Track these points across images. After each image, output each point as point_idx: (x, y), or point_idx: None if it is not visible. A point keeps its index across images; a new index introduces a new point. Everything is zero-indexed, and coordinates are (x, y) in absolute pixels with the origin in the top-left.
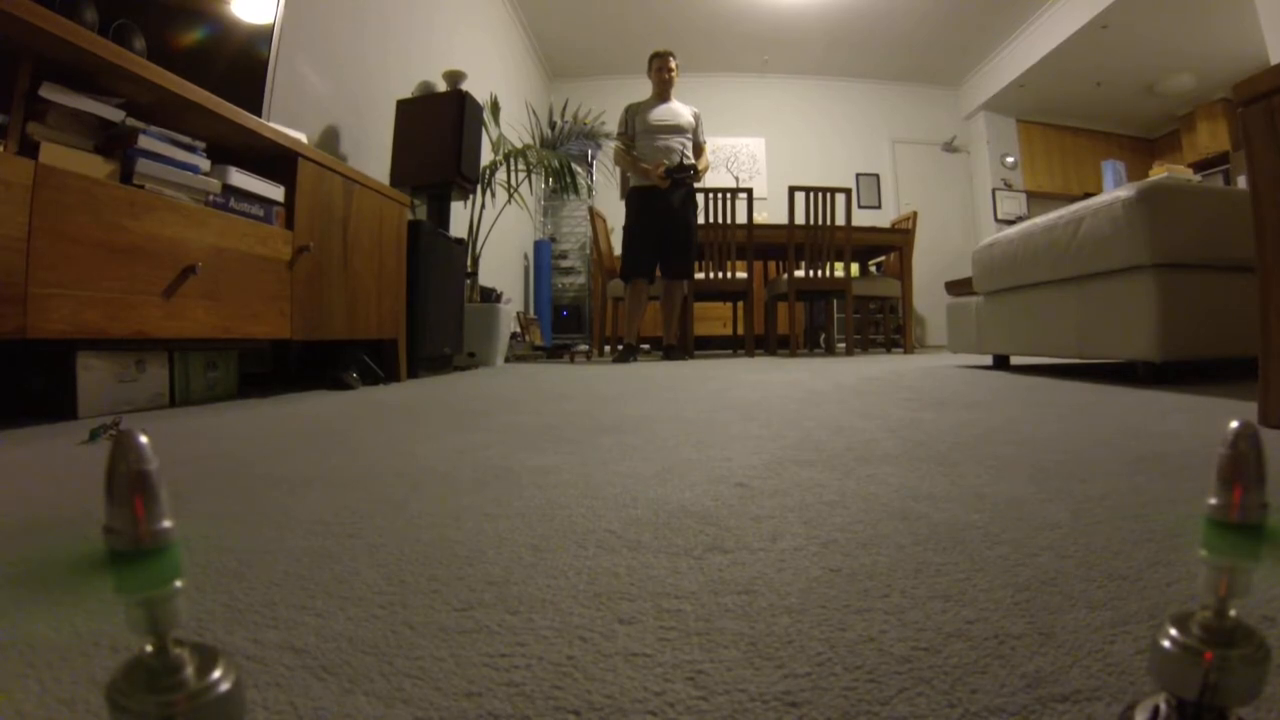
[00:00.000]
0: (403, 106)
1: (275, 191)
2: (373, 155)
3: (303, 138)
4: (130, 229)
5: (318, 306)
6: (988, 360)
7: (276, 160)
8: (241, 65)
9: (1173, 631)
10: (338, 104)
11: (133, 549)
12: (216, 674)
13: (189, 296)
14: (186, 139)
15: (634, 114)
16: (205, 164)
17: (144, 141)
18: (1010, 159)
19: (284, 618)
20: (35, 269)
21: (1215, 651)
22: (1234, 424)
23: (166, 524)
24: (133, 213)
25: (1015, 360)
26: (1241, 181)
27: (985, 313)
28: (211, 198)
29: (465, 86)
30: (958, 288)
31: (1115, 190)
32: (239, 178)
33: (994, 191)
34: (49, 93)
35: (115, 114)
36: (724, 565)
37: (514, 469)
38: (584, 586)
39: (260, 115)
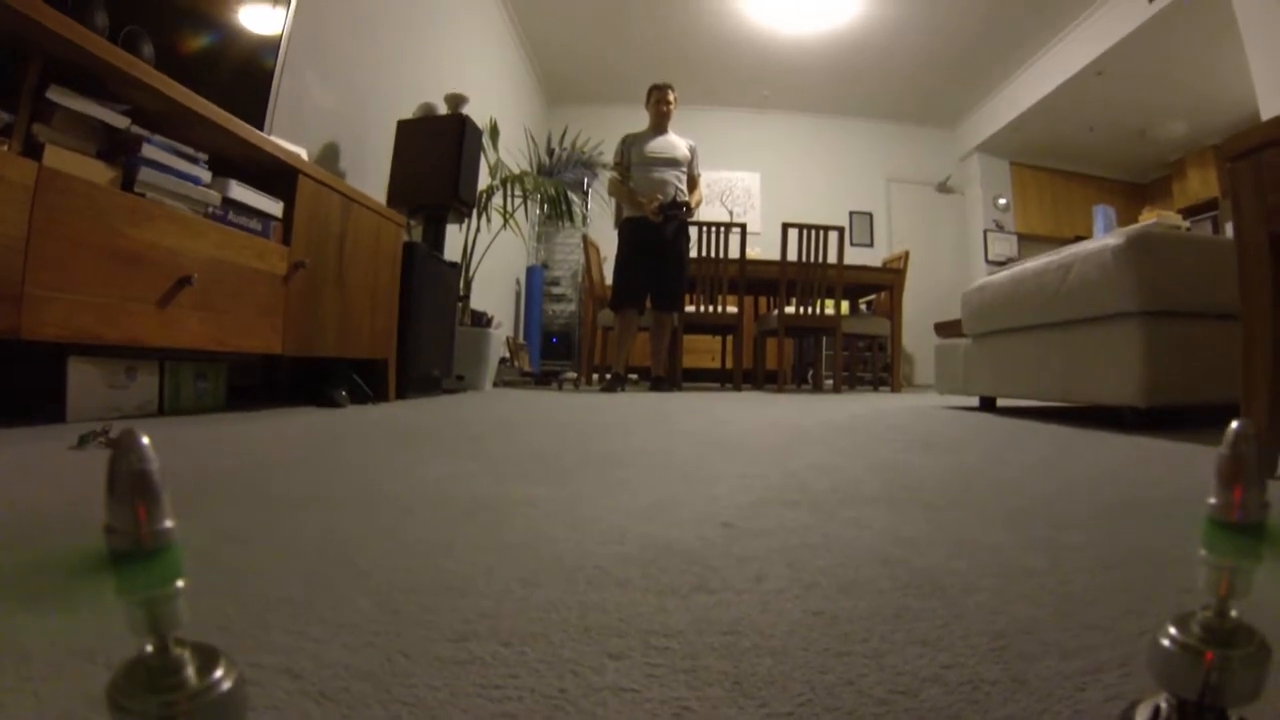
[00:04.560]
0: (403, 126)
1: (274, 206)
2: (371, 173)
3: (303, 153)
4: (129, 236)
5: (310, 323)
6: (974, 401)
7: (276, 175)
8: (247, 75)
9: (1173, 631)
10: (339, 120)
11: (134, 549)
12: (218, 674)
13: (184, 307)
14: (189, 150)
15: (630, 145)
16: (206, 175)
17: (147, 150)
18: (1002, 200)
19: (280, 643)
20: (33, 270)
21: (1216, 652)
22: (1234, 425)
23: (168, 524)
24: (133, 220)
25: (1001, 402)
26: (1229, 229)
27: (973, 354)
28: (211, 209)
29: (465, 110)
30: (947, 330)
31: (1104, 238)
32: (239, 191)
33: (985, 232)
34: (56, 95)
35: (120, 120)
36: (709, 605)
37: (502, 500)
38: (574, 621)
39: (263, 127)
